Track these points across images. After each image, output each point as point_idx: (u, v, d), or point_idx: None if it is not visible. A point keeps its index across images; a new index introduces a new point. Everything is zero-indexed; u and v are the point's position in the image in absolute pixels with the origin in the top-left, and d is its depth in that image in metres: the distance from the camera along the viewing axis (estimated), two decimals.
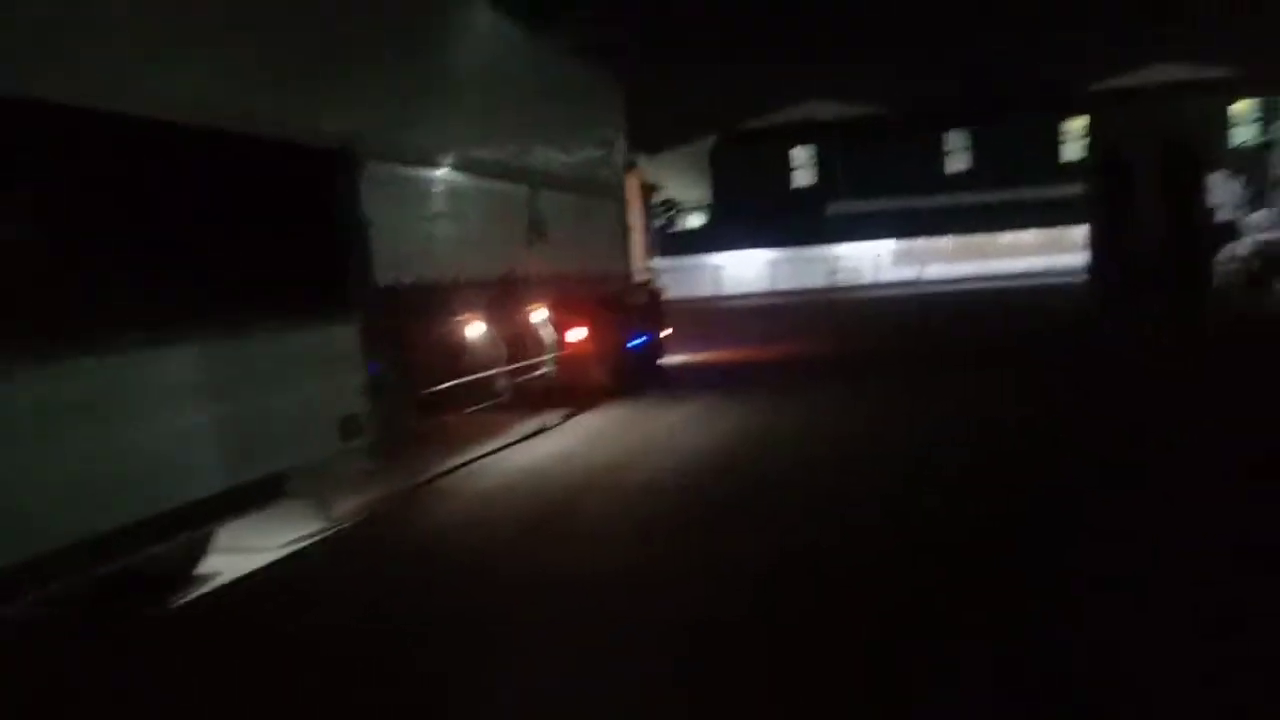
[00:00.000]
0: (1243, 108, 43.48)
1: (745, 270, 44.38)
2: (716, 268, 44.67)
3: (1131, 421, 8.03)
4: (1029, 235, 42.59)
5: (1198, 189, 20.17)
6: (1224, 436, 7.07)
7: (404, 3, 7.58)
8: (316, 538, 5.95)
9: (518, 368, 9.71)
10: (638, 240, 14.46)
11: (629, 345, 12.53)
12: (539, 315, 10.05)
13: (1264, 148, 18.39)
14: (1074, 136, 46.97)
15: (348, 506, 6.42)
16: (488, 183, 8.56)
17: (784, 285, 43.35)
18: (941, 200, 45.06)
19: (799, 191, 49.16)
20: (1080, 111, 46.38)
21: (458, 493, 7.01)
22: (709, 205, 55.03)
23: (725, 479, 6.89)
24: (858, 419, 9.25)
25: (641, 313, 13.82)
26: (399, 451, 7.20)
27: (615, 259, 12.50)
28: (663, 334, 15.58)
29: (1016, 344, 15.79)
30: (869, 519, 5.62)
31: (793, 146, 50.72)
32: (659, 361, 15.15)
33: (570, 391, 10.93)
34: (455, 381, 8.43)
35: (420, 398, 8.05)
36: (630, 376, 12.06)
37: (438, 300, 7.72)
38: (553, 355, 10.44)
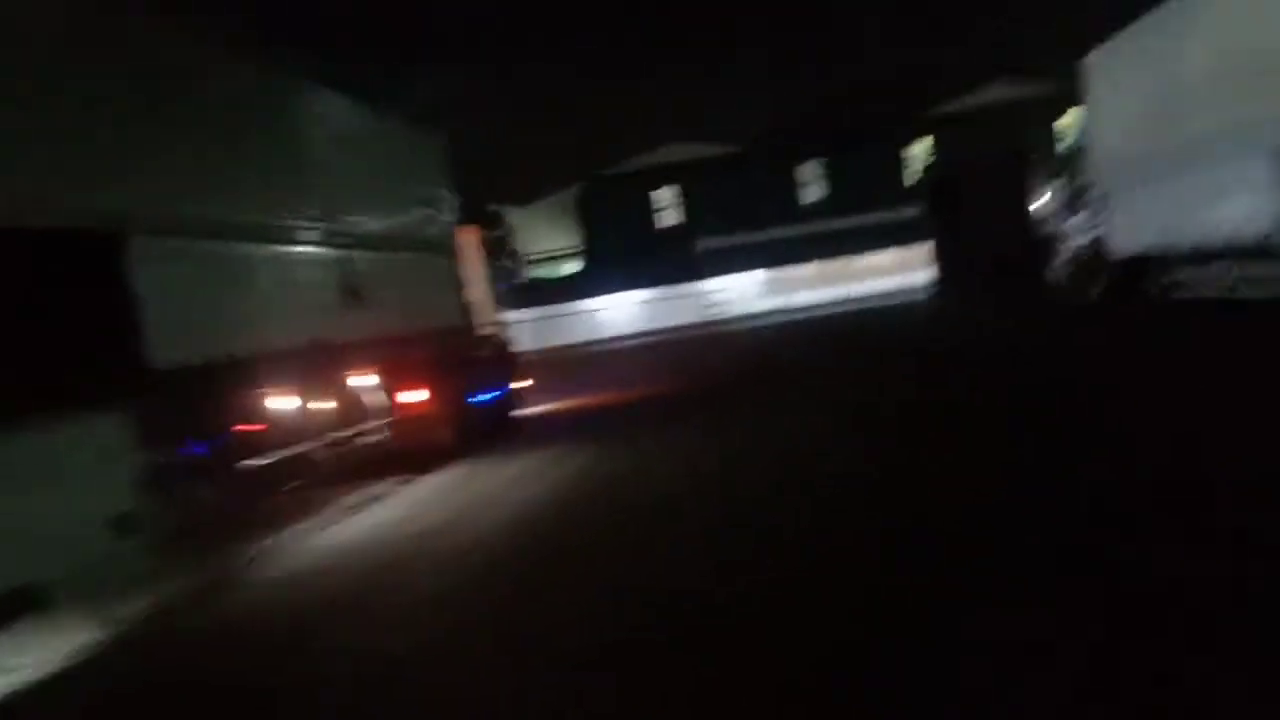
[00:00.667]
0: (1071, 120, 46.26)
1: (620, 313, 44.58)
2: (592, 312, 44.71)
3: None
4: (884, 256, 44.19)
5: (1024, 199, 21.22)
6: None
7: (176, 74, 7.25)
8: (81, 649, 5.44)
9: (340, 437, 9.34)
10: (480, 294, 14.27)
11: (473, 401, 12.24)
12: (364, 380, 9.69)
13: (1075, 155, 19.47)
14: (918, 160, 49.14)
15: (128, 610, 5.92)
16: (288, 249, 8.25)
17: (660, 324, 43.70)
18: (800, 229, 46.36)
19: (666, 231, 49.86)
20: (922, 135, 48.60)
21: (261, 580, 6.58)
22: (580, 252, 55.35)
23: (545, 534, 6.68)
24: (694, 456, 9.17)
25: (488, 367, 13.56)
26: (196, 543, 6.76)
27: (451, 315, 12.24)
28: (516, 385, 15.36)
29: (871, 350, 16.08)
30: (679, 569, 5.48)
31: (656, 188, 51.56)
32: (513, 414, 14.90)
33: (408, 455, 10.58)
34: (265, 459, 8.02)
35: (227, 479, 7.62)
36: (476, 433, 11.77)
37: (235, 376, 7.33)
38: (384, 420, 10.09)
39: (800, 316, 39.65)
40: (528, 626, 4.81)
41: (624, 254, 46.91)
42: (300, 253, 8.49)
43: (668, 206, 51.30)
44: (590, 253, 52.64)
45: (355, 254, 9.53)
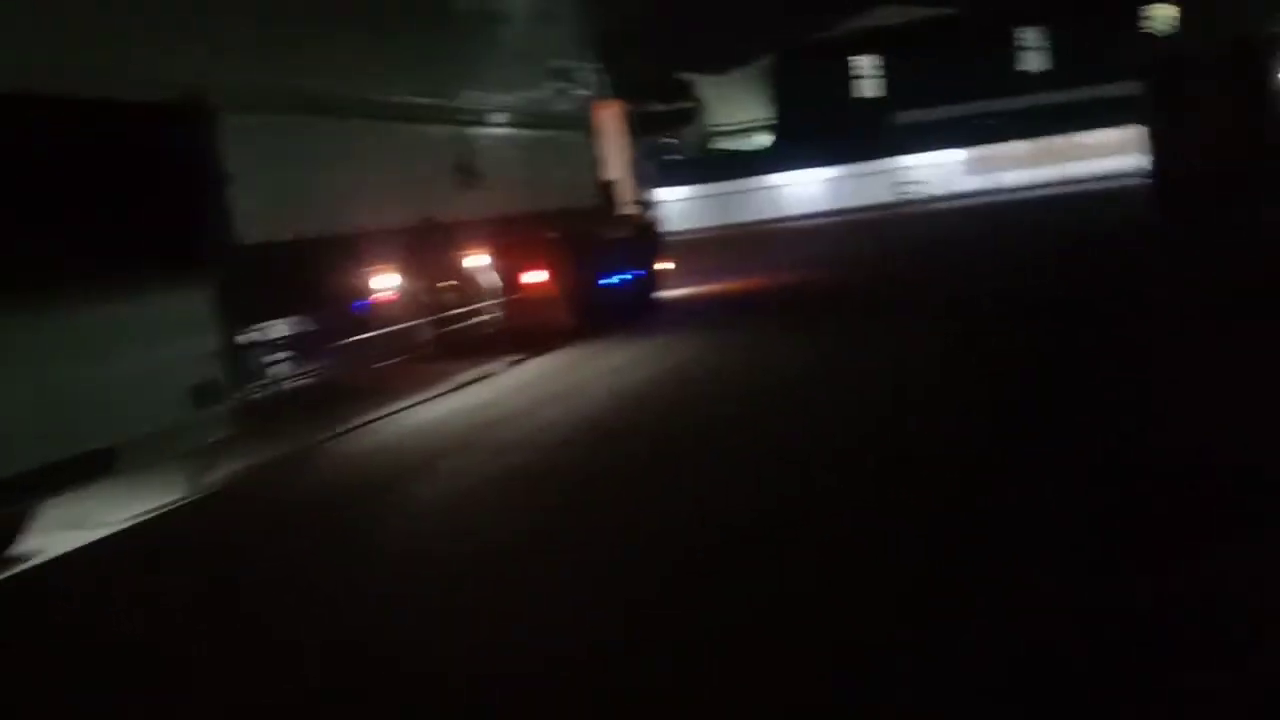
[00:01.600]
0: None
1: (806, 190, 42.98)
2: (776, 188, 43.37)
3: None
4: (1112, 135, 39.85)
5: (1268, 100, 18.41)
6: None
7: None
8: (158, 512, 5.86)
9: (453, 315, 9.49)
10: (623, 172, 13.95)
11: (601, 283, 12.14)
12: (477, 260, 9.74)
13: None
14: (1162, 27, 43.66)
15: (207, 478, 6.29)
16: (393, 126, 8.22)
17: (848, 203, 41.82)
18: (1016, 103, 42.59)
19: (862, 104, 47.21)
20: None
21: (335, 456, 6.81)
22: (770, 125, 53.42)
23: (634, 428, 6.53)
24: (824, 354, 8.66)
25: (624, 248, 13.37)
26: (284, 415, 7.07)
27: (584, 194, 12.04)
28: (658, 267, 15.12)
29: (1060, 260, 14.53)
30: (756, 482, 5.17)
31: (855, 56, 48.60)
32: (653, 295, 14.72)
33: (528, 334, 10.66)
34: (370, 333, 8.25)
35: (329, 352, 7.92)
36: (604, 314, 11.68)
37: (330, 254, 7.48)
38: (497, 300, 10.16)
39: (1005, 198, 36.86)
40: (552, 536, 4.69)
41: (816, 127, 44.80)
42: (410, 129, 8.45)
43: (866, 76, 48.39)
44: (780, 125, 50.70)
45: (472, 131, 9.42)
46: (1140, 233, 17.61)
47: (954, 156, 42.27)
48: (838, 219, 39.33)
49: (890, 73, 47.30)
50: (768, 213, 42.68)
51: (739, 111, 58.64)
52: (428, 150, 8.79)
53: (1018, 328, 8.36)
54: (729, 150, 54.72)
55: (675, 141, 56.99)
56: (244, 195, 6.58)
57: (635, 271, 13.82)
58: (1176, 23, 41.99)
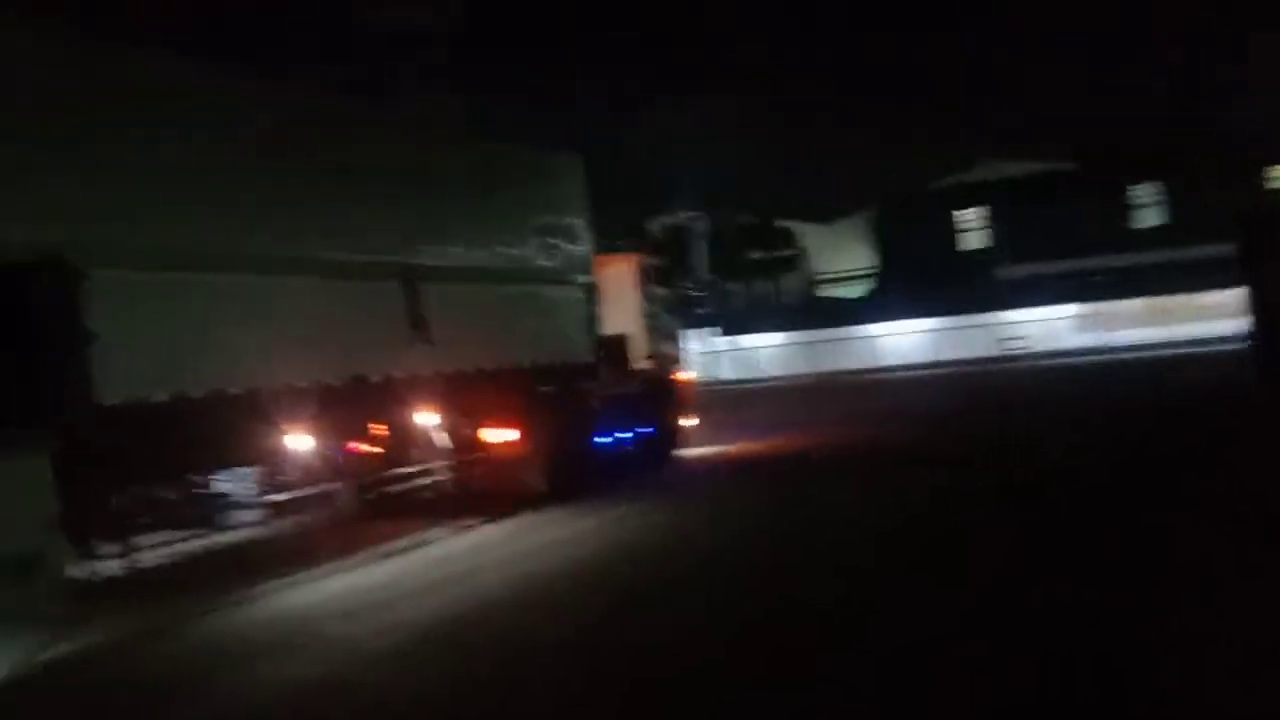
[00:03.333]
0: None
1: (907, 341, 41.68)
2: (876, 338, 42.25)
3: None
4: (1228, 294, 37.44)
5: None
6: None
7: (159, 85, 7.08)
8: None
9: (387, 477, 8.99)
10: (633, 325, 13.50)
11: (596, 441, 11.50)
12: (431, 418, 9.25)
13: None
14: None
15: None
16: (313, 281, 7.95)
17: (948, 355, 40.24)
18: (1129, 259, 40.73)
19: (967, 255, 46.11)
20: None
21: (142, 650, 6.06)
22: (873, 273, 52.73)
23: (495, 636, 5.75)
24: (808, 544, 7.70)
25: (630, 404, 12.75)
26: (143, 590, 6.58)
27: (576, 348, 11.56)
28: (681, 423, 14.39)
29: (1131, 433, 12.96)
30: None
31: (962, 208, 47.81)
32: (671, 453, 13.94)
33: (495, 497, 10.04)
34: (274, 497, 7.81)
35: (216, 517, 7.48)
36: (593, 475, 10.98)
37: (219, 414, 7.10)
38: (459, 460, 9.61)
39: (1116, 357, 34.73)
40: None
41: (920, 277, 43.80)
42: (337, 286, 8.15)
43: (972, 228, 47.44)
44: (884, 274, 49.92)
45: (428, 286, 9.11)
46: (1229, 405, 15.89)
47: (1061, 312, 40.37)
48: (935, 371, 37.80)
49: (997, 225, 46.21)
50: (865, 362, 41.47)
51: (843, 259, 58.39)
52: (361, 306, 8.48)
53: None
54: (831, 297, 54.16)
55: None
56: (110, 354, 6.33)
57: (644, 429, 13.15)
58: None
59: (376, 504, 9.12)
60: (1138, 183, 44.84)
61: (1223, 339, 33.51)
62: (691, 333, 43.98)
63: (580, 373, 11.66)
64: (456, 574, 7.27)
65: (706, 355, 43.85)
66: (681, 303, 17.93)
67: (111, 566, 6.57)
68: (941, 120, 57.38)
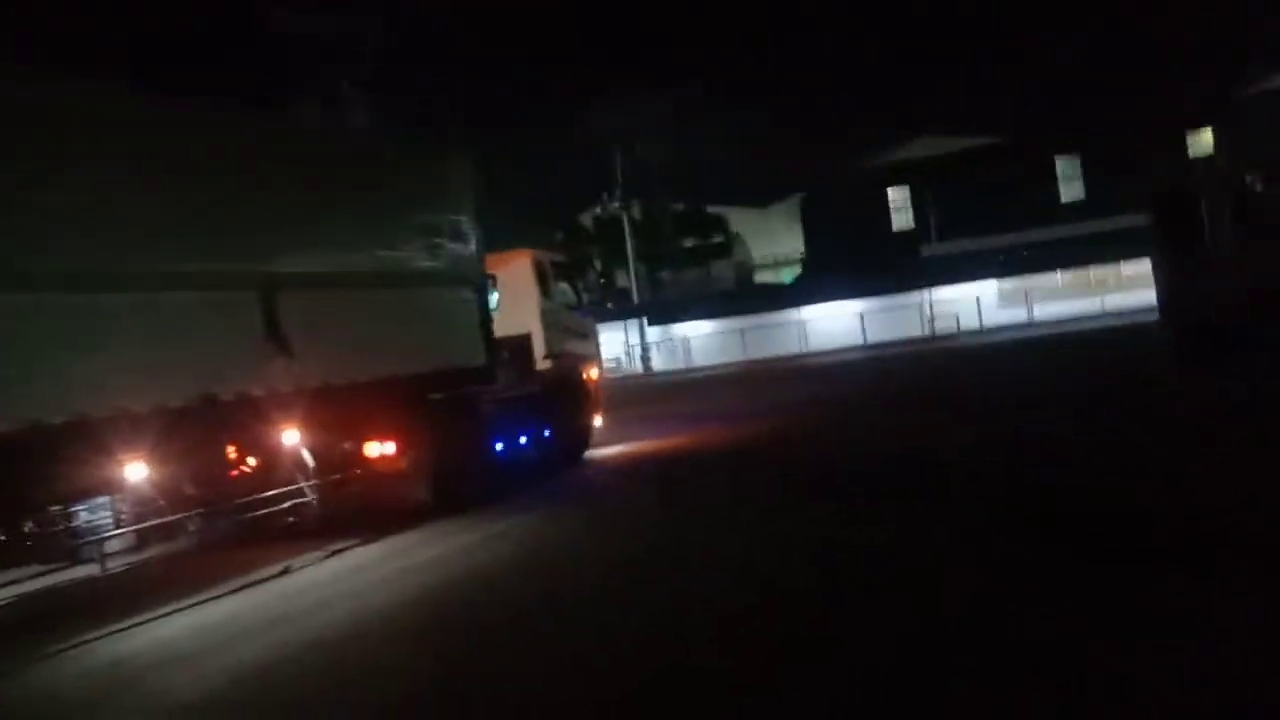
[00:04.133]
0: None
1: (835, 324, 41.71)
2: (802, 323, 42.22)
3: None
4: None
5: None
6: None
7: None
8: None
9: (245, 503, 8.42)
10: (532, 325, 13.02)
11: (493, 447, 11.03)
12: (289, 437, 8.68)
13: None
14: (1205, 152, 42.32)
15: None
16: (143, 298, 7.33)
17: (878, 337, 40.38)
18: (1053, 233, 41.25)
19: (894, 236, 46.37)
20: (1209, 123, 41.85)
21: None
22: (803, 258, 52.87)
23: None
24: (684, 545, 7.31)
25: (529, 407, 12.30)
26: None
27: (465, 352, 11.02)
28: (587, 423, 13.98)
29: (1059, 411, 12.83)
30: None
31: (888, 188, 48.05)
32: (581, 454, 13.53)
33: (375, 515, 9.53)
34: (94, 537, 7.20)
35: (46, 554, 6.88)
36: (489, 482, 10.51)
37: (32, 449, 6.48)
38: (329, 479, 9.06)
39: (1040, 333, 35.08)
40: None
41: (848, 259, 43.93)
42: (173, 299, 7.52)
43: (899, 208, 47.72)
44: (812, 258, 50.06)
45: (290, 295, 8.53)
46: (1142, 378, 15.96)
47: (986, 288, 40.77)
48: (862, 354, 37.88)
49: (924, 204, 46.53)
50: (795, 347, 41.45)
51: (774, 245, 58.45)
52: (210, 321, 7.86)
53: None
54: (762, 283, 54.17)
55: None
56: None
57: (545, 432, 12.71)
58: (1219, 148, 40.67)
59: (239, 531, 8.52)
60: (1061, 155, 45.45)
61: (1148, 310, 34.10)
62: (620, 324, 43.86)
63: (472, 377, 11.15)
64: (303, 608, 6.74)
65: (635, 346, 43.61)
66: (591, 297, 17.47)
67: None
68: (869, 101, 57.69)
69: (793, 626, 5.07)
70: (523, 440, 12.11)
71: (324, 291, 9.05)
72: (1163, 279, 20.46)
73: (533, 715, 4.33)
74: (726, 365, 39.71)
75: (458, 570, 7.41)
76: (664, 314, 44.95)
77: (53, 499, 7.12)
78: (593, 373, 14.79)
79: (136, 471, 7.33)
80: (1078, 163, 44.82)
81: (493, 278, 12.78)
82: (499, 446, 11.46)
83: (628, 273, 46.26)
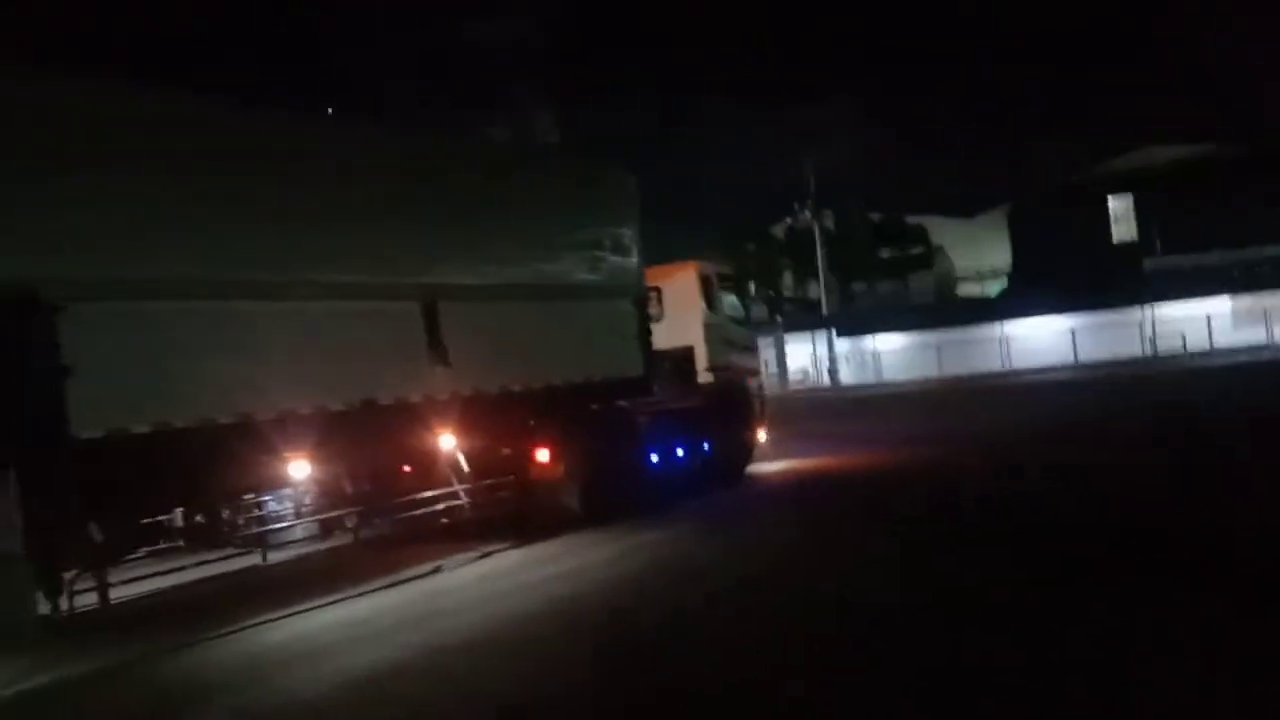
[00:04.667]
0: None
1: (1042, 340, 39.18)
2: (1005, 339, 39.91)
3: None
4: None
5: None
6: None
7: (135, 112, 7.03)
8: None
9: (404, 503, 8.82)
10: (694, 338, 12.99)
11: (636, 461, 11.05)
12: (445, 442, 9.03)
13: None
14: None
15: None
16: (307, 306, 7.82)
17: (1091, 355, 37.59)
18: None
19: (1113, 249, 43.04)
20: None
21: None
22: (1014, 270, 49.96)
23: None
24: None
25: (689, 420, 12.25)
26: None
27: (623, 364, 11.13)
28: (749, 437, 13.77)
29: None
30: None
31: (1111, 197, 44.66)
32: (743, 469, 13.34)
33: (530, 521, 9.76)
34: (260, 529, 7.75)
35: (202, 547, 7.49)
36: (644, 495, 10.55)
37: (206, 445, 7.05)
38: (481, 484, 9.35)
39: (1273, 354, 31.61)
40: None
41: (1059, 272, 41.07)
42: (336, 308, 7.99)
43: (1120, 219, 44.26)
44: (1023, 270, 47.17)
45: (451, 306, 8.89)
46: None
47: (1219, 306, 37.12)
48: (1071, 374, 35.33)
49: (1148, 214, 42.97)
50: (997, 364, 39.24)
51: (979, 257, 55.58)
52: (373, 329, 8.31)
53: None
54: (965, 296, 51.68)
55: (902, 288, 55.03)
56: (86, 387, 6.35)
57: (704, 445, 12.61)
58: None
59: (396, 530, 8.96)
60: None
61: None
62: (808, 335, 43.07)
63: (629, 389, 11.25)
64: (441, 609, 7.00)
65: (823, 359, 42.65)
66: (770, 309, 17.24)
67: (91, 599, 6.59)
68: (1091, 105, 53.98)
69: (863, 651, 4.77)
70: (680, 453, 12.08)
71: (480, 303, 9.36)
72: None
73: None
74: (917, 382, 38.15)
75: (587, 583, 7.47)
76: (856, 326, 43.73)
77: (222, 493, 7.72)
78: (756, 387, 14.56)
79: (300, 469, 7.84)
80: None
81: (658, 290, 12.92)
82: (654, 459, 11.48)
83: (819, 284, 45.36)
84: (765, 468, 13.82)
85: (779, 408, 28.97)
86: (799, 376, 43.44)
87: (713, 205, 41.97)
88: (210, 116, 7.52)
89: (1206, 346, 36.02)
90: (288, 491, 8.30)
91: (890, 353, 42.41)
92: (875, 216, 51.31)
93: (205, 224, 7.13)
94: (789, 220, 47.94)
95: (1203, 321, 36.65)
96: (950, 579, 6.54)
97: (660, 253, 15.96)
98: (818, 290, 46.22)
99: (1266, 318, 36.06)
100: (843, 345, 43.32)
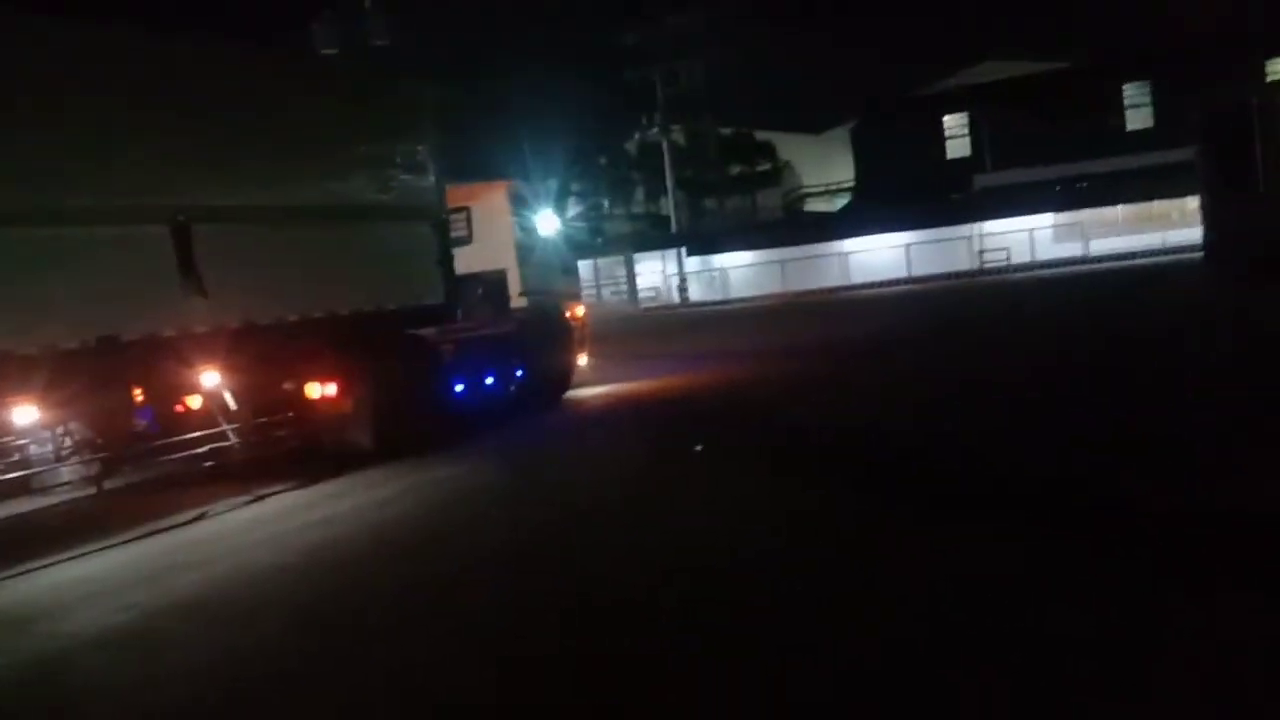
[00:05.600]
0: None
1: (879, 256, 40.35)
2: (850, 254, 40.89)
3: None
4: None
5: None
6: None
7: None
8: None
9: (158, 446, 8.15)
10: (507, 260, 12.51)
11: (437, 391, 10.55)
12: (209, 379, 8.33)
13: None
14: None
15: None
16: (31, 231, 6.94)
17: (924, 270, 39.01)
18: (1115, 164, 38.98)
19: (948, 165, 44.35)
20: None
21: None
22: (854, 187, 51.02)
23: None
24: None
25: (498, 347, 11.83)
26: None
27: (423, 290, 10.57)
28: (568, 363, 13.48)
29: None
30: None
31: (944, 115, 45.84)
32: (560, 395, 13.07)
33: (314, 459, 9.21)
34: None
35: None
36: (424, 430, 10.07)
37: None
38: (237, 425, 8.69)
39: (1094, 268, 33.51)
40: None
41: (899, 189, 42.14)
42: (76, 234, 7.13)
43: (956, 135, 45.55)
44: (863, 187, 48.22)
45: (209, 230, 8.11)
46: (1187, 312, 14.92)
47: (1042, 222, 38.91)
48: (906, 287, 36.67)
49: (981, 131, 44.31)
50: (839, 279, 40.24)
51: (833, 172, 56.49)
52: (111, 257, 7.47)
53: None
54: (809, 212, 52.58)
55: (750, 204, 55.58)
56: None
57: (517, 372, 12.25)
58: None
59: (146, 479, 8.28)
60: (1129, 82, 42.81)
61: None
62: (659, 254, 43.08)
63: (430, 316, 10.71)
64: (185, 561, 6.45)
65: (673, 276, 42.80)
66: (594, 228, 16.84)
67: None
68: (932, 23, 54.94)
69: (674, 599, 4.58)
70: (489, 381, 11.68)
71: (246, 226, 8.59)
72: (1209, 216, 19.17)
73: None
74: (764, 298, 38.83)
75: (352, 527, 7.05)
76: (705, 244, 43.92)
77: None
78: (577, 311, 14.24)
79: (25, 415, 7.05)
80: (1147, 90, 42.15)
81: (466, 210, 12.33)
82: (458, 388, 11.04)
83: (668, 200, 45.20)
84: (586, 393, 13.60)
85: (626, 327, 29.10)
86: (650, 295, 43.48)
87: (565, 118, 40.75)
88: None
89: (1028, 260, 37.81)
90: (9, 439, 7.47)
91: (738, 270, 42.87)
92: (725, 132, 51.22)
93: None
94: (637, 135, 47.37)
95: (1026, 236, 38.38)
96: (725, 491, 6.50)
97: (506, 169, 15.44)
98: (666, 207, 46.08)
99: (1084, 233, 38.01)
100: (693, 263, 43.50)
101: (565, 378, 13.36)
